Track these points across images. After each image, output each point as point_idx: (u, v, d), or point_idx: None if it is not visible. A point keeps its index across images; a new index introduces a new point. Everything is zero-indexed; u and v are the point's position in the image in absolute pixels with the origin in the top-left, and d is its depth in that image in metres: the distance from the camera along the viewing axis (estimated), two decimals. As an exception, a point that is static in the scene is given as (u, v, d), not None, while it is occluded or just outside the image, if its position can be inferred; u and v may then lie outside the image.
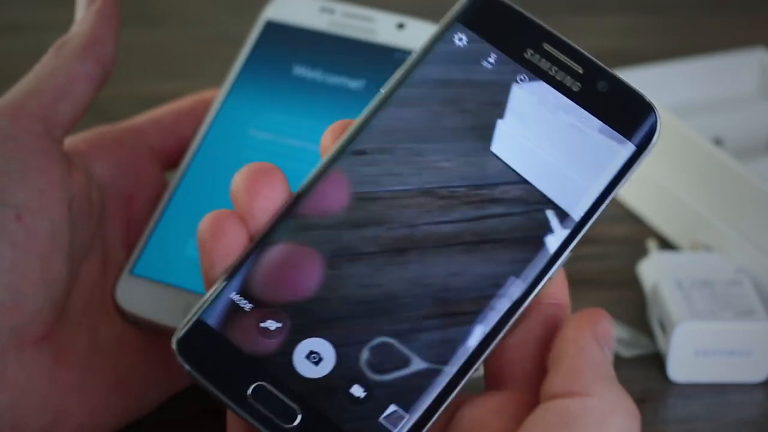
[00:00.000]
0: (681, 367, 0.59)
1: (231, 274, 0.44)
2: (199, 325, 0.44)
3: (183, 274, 0.54)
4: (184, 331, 0.44)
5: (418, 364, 0.44)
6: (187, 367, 0.43)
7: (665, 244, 0.68)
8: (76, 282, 0.52)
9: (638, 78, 0.72)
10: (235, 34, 0.59)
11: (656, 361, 0.60)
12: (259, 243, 0.45)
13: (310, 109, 0.57)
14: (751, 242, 0.63)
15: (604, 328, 0.43)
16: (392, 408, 0.43)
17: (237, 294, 0.44)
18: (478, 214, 0.45)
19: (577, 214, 0.45)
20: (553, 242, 0.45)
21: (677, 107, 0.73)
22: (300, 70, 0.57)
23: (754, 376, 0.58)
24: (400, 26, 0.58)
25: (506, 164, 0.46)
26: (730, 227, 0.65)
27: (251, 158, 0.55)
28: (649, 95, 0.70)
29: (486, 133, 0.46)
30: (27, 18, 0.86)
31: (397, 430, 0.43)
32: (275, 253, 0.45)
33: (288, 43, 0.58)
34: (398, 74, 0.47)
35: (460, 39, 0.47)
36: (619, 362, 0.60)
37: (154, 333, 0.53)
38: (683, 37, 0.91)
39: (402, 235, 0.45)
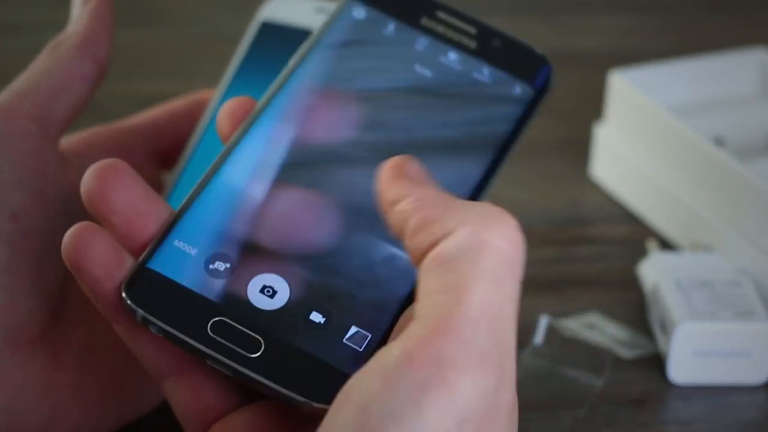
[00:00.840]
0: (681, 368, 0.58)
1: (172, 222, 0.46)
2: (147, 273, 0.45)
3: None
4: (131, 278, 0.44)
5: (372, 285, 0.45)
6: (141, 312, 0.44)
7: (665, 245, 0.68)
8: (72, 281, 0.51)
9: (638, 78, 0.72)
10: (233, 34, 0.59)
11: (656, 361, 0.60)
12: (195, 191, 0.46)
13: None
14: (751, 242, 0.63)
15: (402, 167, 0.43)
16: (354, 329, 0.44)
17: (180, 241, 0.45)
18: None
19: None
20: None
21: (677, 107, 0.72)
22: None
23: (754, 378, 0.58)
24: None
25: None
26: (730, 227, 0.65)
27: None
28: (650, 95, 0.71)
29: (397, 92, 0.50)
30: (27, 18, 0.86)
31: (362, 349, 0.44)
32: (213, 197, 0.46)
33: (284, 45, 0.57)
34: (300, 51, 0.50)
35: (359, 13, 0.51)
36: (619, 363, 0.59)
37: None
38: (682, 37, 0.91)
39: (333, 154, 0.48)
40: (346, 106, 0.49)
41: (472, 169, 0.48)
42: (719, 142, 0.72)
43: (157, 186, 0.56)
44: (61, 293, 0.50)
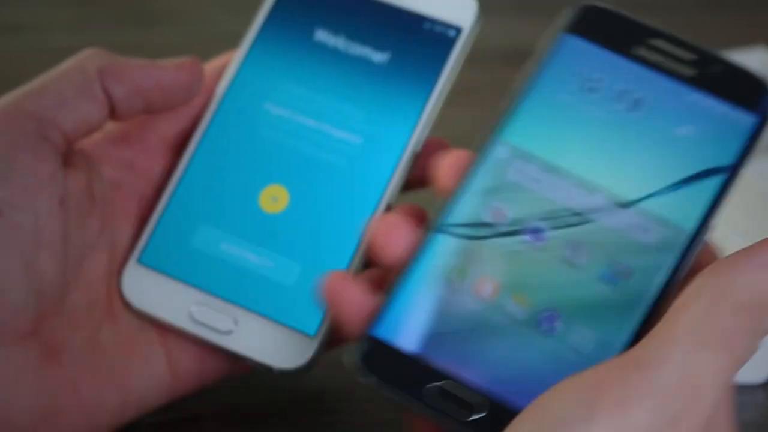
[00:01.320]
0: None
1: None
2: (378, 343, 0.47)
3: (189, 267, 0.53)
4: (363, 349, 0.47)
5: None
6: (373, 381, 0.47)
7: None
8: (78, 280, 0.52)
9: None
10: (234, 33, 0.59)
11: (656, 361, 0.60)
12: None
13: (330, 84, 0.55)
14: (751, 242, 0.63)
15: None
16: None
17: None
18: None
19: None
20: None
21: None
22: (322, 35, 0.55)
23: (754, 377, 0.59)
24: None
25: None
26: (730, 227, 0.65)
27: (263, 140, 0.54)
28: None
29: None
30: (27, 18, 0.86)
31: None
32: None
33: (306, 5, 0.56)
34: (518, 88, 0.50)
35: (572, 46, 0.51)
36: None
37: (157, 327, 0.53)
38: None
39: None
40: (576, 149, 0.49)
41: (704, 200, 0.49)
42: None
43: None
44: (58, 290, 0.50)
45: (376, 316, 0.47)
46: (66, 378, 0.50)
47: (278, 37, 0.56)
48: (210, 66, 0.57)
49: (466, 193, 0.49)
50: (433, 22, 0.55)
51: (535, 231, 0.49)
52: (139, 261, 0.53)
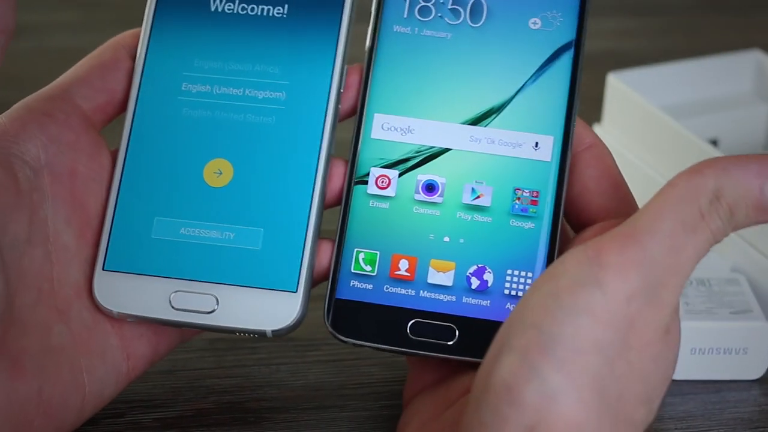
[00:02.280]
0: (678, 365, 0.59)
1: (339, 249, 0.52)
2: (342, 303, 0.51)
3: (156, 260, 0.53)
4: (331, 314, 0.51)
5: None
6: (351, 341, 0.51)
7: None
8: (18, 280, 0.50)
9: (635, 79, 0.72)
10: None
11: (653, 359, 0.60)
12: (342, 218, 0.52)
13: (239, 49, 0.55)
14: (747, 241, 0.64)
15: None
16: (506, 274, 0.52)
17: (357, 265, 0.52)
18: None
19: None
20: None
21: (674, 108, 0.73)
22: (217, 4, 0.55)
23: (750, 374, 0.59)
24: None
25: None
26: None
27: (192, 119, 0.54)
28: (647, 96, 0.71)
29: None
30: (27, 18, 0.87)
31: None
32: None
33: None
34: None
35: None
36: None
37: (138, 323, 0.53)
38: (679, 39, 0.91)
39: None
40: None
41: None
42: (714, 143, 0.72)
43: (101, 151, 0.53)
44: (7, 299, 0.48)
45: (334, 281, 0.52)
46: (32, 387, 0.49)
47: (176, 16, 0.55)
48: (117, 42, 0.55)
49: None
50: None
51: (428, 186, 0.52)
52: (105, 268, 0.52)
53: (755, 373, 0.59)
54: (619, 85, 0.71)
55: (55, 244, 0.51)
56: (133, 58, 0.55)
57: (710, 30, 0.93)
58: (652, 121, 0.69)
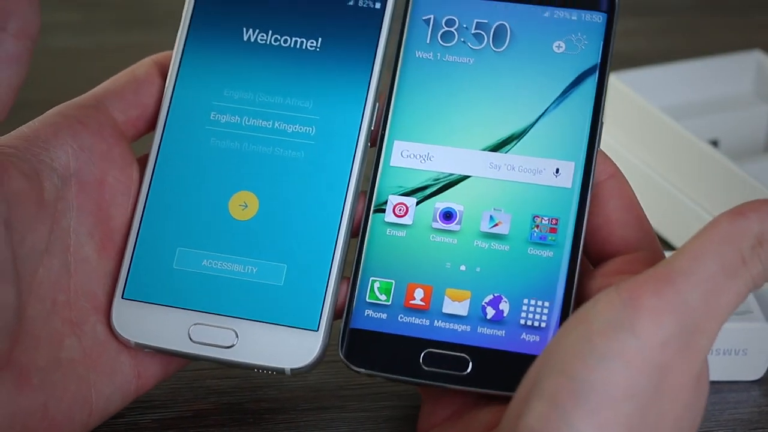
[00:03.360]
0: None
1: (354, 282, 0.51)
2: (356, 333, 0.51)
3: (177, 291, 0.52)
4: (345, 344, 0.51)
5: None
6: (364, 371, 0.50)
7: (663, 245, 0.68)
8: (32, 291, 0.49)
9: (636, 80, 0.72)
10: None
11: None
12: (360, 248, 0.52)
13: (270, 81, 0.54)
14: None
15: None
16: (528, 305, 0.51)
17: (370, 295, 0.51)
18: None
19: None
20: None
21: (675, 109, 0.73)
22: (250, 34, 0.54)
23: (750, 375, 0.59)
24: None
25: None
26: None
27: (219, 150, 0.53)
28: (647, 97, 0.71)
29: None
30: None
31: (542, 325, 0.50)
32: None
33: (229, 4, 0.55)
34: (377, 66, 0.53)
35: (425, 5, 0.54)
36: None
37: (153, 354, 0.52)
38: (680, 40, 0.91)
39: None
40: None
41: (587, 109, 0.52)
42: (715, 144, 0.73)
43: (130, 164, 0.53)
44: (19, 313, 0.48)
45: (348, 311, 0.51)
46: (37, 401, 0.48)
47: (207, 45, 0.55)
48: (152, 60, 0.55)
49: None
50: None
51: (445, 215, 0.51)
52: (124, 296, 0.52)
53: (755, 374, 0.59)
54: (619, 86, 0.71)
55: (75, 255, 0.51)
56: (165, 77, 0.54)
57: (710, 30, 0.93)
58: (652, 121, 0.69)
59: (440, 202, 0.52)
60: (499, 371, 0.48)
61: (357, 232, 0.52)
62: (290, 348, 0.51)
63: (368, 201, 0.52)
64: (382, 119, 0.53)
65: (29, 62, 0.46)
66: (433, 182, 0.52)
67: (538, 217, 0.51)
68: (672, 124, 0.68)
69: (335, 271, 0.52)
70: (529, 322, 0.50)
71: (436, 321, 0.50)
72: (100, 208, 0.52)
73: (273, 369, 0.51)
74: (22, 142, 0.50)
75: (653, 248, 0.50)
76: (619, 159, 0.71)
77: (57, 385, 0.49)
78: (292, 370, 0.51)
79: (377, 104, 0.53)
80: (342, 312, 0.52)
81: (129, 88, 0.53)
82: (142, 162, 0.54)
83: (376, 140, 0.53)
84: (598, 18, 0.52)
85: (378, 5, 0.54)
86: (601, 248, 0.51)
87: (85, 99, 0.53)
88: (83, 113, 0.52)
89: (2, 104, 0.45)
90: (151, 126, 0.54)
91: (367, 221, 0.52)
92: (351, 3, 0.54)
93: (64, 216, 0.51)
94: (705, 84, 0.75)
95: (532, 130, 0.52)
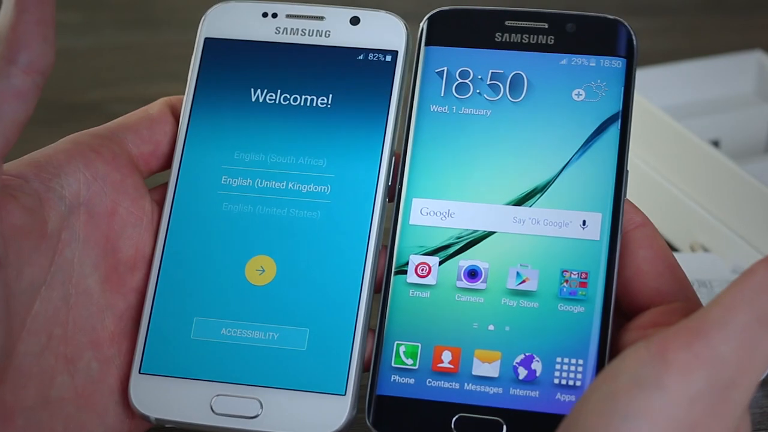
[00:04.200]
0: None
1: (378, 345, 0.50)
2: (383, 400, 0.49)
3: (196, 363, 0.51)
4: (372, 411, 0.49)
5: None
6: None
7: (663, 245, 0.68)
8: (26, 326, 0.47)
9: (637, 80, 0.72)
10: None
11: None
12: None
13: (282, 141, 0.53)
14: (749, 243, 0.64)
15: None
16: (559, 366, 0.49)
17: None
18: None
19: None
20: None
21: (676, 109, 0.73)
22: (258, 94, 0.53)
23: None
24: (355, 21, 0.53)
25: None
26: (728, 228, 0.65)
27: (233, 214, 0.52)
28: (649, 97, 0.71)
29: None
30: (28, 19, 0.86)
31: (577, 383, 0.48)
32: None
33: (236, 64, 0.54)
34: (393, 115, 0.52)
35: (437, 58, 0.52)
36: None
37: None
38: (682, 40, 0.91)
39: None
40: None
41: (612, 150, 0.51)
42: (716, 144, 0.72)
43: (143, 197, 0.52)
44: (7, 351, 0.46)
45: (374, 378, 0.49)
46: None
47: (215, 107, 0.53)
48: (166, 101, 0.54)
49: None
50: (368, 51, 0.53)
51: (470, 273, 0.50)
52: (141, 371, 0.50)
53: (757, 375, 0.59)
54: (620, 86, 0.71)
55: (76, 287, 0.49)
56: (178, 118, 0.53)
57: (711, 30, 0.92)
58: (653, 121, 0.69)
59: (464, 261, 0.50)
60: None
61: (380, 288, 0.51)
62: (318, 415, 0.49)
63: (388, 262, 0.50)
64: (399, 177, 0.51)
65: (36, 98, 0.44)
66: (455, 240, 0.50)
67: (566, 271, 0.49)
68: (673, 124, 0.68)
69: (360, 333, 0.50)
70: (563, 381, 0.48)
71: (466, 384, 0.49)
72: (108, 239, 0.50)
73: None
74: (32, 169, 0.49)
75: (689, 298, 0.48)
76: (620, 159, 0.71)
77: (43, 426, 0.47)
78: None
79: (393, 158, 0.52)
80: (369, 365, 0.50)
81: (143, 124, 0.52)
82: (154, 194, 0.53)
83: (393, 195, 0.52)
84: (617, 63, 0.51)
85: (389, 58, 0.53)
86: (634, 301, 0.49)
87: (99, 129, 0.52)
88: (98, 142, 0.51)
89: (5, 141, 0.43)
90: (163, 164, 0.53)
91: (389, 283, 0.50)
92: (361, 57, 0.53)
93: (68, 246, 0.49)
94: (706, 84, 0.75)
95: (555, 181, 0.50)
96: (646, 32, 0.92)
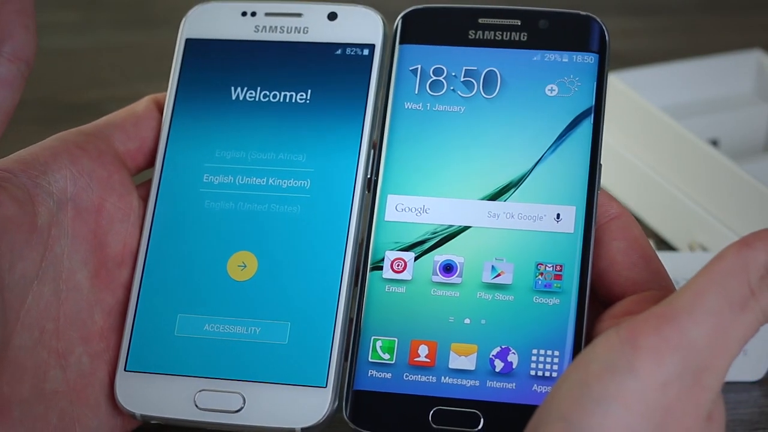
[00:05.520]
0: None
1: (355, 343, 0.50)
2: (360, 395, 0.49)
3: (180, 359, 0.51)
4: (350, 406, 0.49)
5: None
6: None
7: (663, 245, 0.68)
8: (20, 319, 0.48)
9: (636, 79, 0.72)
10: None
11: (653, 360, 0.60)
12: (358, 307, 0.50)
13: (262, 138, 0.53)
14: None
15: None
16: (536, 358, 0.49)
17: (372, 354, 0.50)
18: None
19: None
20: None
21: (675, 108, 0.73)
22: (238, 92, 0.54)
23: (750, 375, 0.59)
24: (332, 16, 0.54)
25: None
26: (727, 228, 0.65)
27: (214, 211, 0.53)
28: (647, 96, 0.71)
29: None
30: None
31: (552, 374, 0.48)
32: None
33: (217, 63, 0.54)
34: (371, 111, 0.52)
35: (411, 56, 0.53)
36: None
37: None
38: (680, 39, 0.91)
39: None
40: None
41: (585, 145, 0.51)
42: (714, 143, 0.73)
43: (130, 192, 0.52)
44: (2, 340, 0.47)
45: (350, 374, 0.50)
46: None
47: (197, 106, 0.54)
48: (151, 98, 0.54)
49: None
50: (345, 46, 0.54)
51: (446, 267, 0.50)
52: (127, 368, 0.51)
53: (755, 375, 0.59)
54: (619, 85, 0.71)
55: (67, 282, 0.50)
56: (162, 113, 0.54)
57: (710, 30, 0.93)
58: (652, 121, 0.69)
59: (439, 255, 0.50)
60: (512, 425, 0.47)
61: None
62: (299, 407, 0.50)
63: (364, 259, 0.51)
64: (374, 173, 0.52)
65: (22, 87, 0.45)
66: (431, 235, 0.51)
67: (541, 264, 0.49)
68: (672, 123, 0.68)
69: (340, 326, 0.50)
70: (540, 373, 0.48)
71: (443, 377, 0.49)
72: (96, 235, 0.51)
73: (283, 430, 0.50)
74: (19, 165, 0.49)
75: (663, 287, 0.49)
76: (619, 159, 0.71)
77: (38, 418, 0.48)
78: (302, 429, 0.50)
79: (372, 151, 0.52)
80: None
81: (129, 121, 0.53)
82: (141, 191, 0.53)
83: (370, 186, 0.52)
84: (590, 59, 0.51)
85: (366, 52, 0.53)
86: (609, 291, 0.49)
87: (86, 127, 0.52)
88: (83, 139, 0.51)
89: None
90: (149, 161, 0.54)
91: (365, 279, 0.51)
92: (339, 52, 0.54)
93: (57, 242, 0.50)
94: (705, 84, 0.75)
95: (530, 176, 0.50)
96: (646, 32, 0.92)
